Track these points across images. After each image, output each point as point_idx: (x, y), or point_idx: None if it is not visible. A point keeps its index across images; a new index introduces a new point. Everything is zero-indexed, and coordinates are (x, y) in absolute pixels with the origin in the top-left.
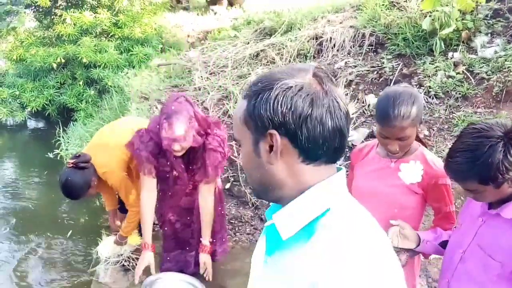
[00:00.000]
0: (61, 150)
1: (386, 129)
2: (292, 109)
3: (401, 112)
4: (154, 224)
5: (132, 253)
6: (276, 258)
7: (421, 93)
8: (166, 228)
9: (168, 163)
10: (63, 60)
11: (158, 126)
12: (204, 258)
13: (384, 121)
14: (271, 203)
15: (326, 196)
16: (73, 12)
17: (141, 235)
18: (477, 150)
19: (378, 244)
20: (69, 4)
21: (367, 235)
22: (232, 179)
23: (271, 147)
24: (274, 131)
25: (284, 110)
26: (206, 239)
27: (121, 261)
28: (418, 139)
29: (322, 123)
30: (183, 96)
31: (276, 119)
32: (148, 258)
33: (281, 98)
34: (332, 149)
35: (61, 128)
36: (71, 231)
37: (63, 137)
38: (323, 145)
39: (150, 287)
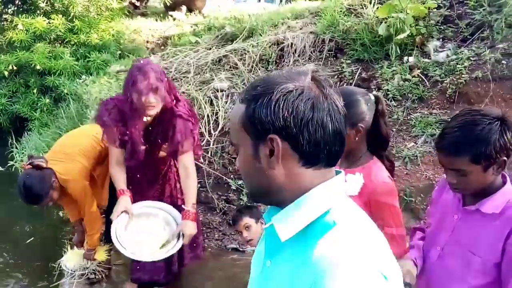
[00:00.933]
0: (15, 162)
1: None
2: (294, 113)
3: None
4: None
5: (98, 265)
6: (275, 261)
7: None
8: None
9: (127, 133)
10: (15, 68)
11: (125, 92)
12: (188, 225)
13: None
14: (268, 206)
15: (326, 198)
16: (25, 18)
17: (108, 251)
18: (475, 125)
19: (377, 245)
20: (20, 9)
21: (367, 236)
22: (199, 185)
23: (271, 152)
24: (275, 136)
25: (285, 114)
26: (189, 205)
27: (87, 274)
28: (378, 155)
29: (323, 126)
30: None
31: (277, 123)
32: (124, 202)
33: (282, 102)
34: (332, 153)
35: (14, 139)
36: (30, 240)
37: (16, 148)
38: (324, 149)
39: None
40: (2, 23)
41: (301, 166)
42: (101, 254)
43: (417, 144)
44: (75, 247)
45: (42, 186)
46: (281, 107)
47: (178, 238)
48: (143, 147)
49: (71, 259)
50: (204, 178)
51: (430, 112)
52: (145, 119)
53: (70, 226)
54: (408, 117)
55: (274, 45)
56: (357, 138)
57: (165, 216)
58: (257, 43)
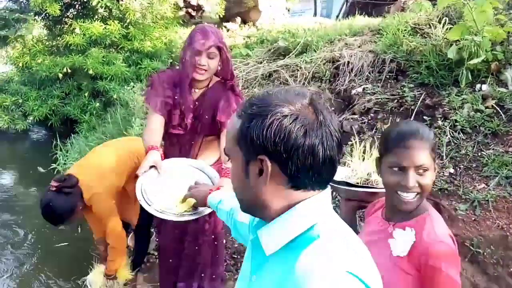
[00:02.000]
0: (58, 165)
1: (400, 152)
2: (285, 139)
3: (417, 131)
4: (149, 254)
5: (124, 286)
6: (260, 274)
7: (446, 126)
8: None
9: (175, 98)
10: (69, 70)
11: (181, 58)
12: (227, 183)
13: (396, 142)
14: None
15: (312, 213)
16: (83, 22)
17: (132, 268)
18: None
19: (359, 255)
20: (80, 14)
21: (349, 247)
22: None
23: (260, 171)
24: (265, 157)
25: (276, 139)
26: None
27: None
28: (435, 203)
29: (313, 154)
30: None
31: (268, 146)
32: (153, 156)
33: (275, 127)
34: (322, 178)
35: (60, 141)
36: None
37: (61, 150)
38: (312, 175)
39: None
40: (62, 26)
41: (289, 187)
42: (124, 274)
43: (488, 186)
44: (101, 265)
45: (63, 213)
46: (273, 131)
47: None
48: (188, 120)
49: (96, 278)
50: None
51: (506, 150)
52: (193, 91)
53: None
54: (479, 154)
55: (329, 62)
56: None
57: (200, 175)
58: (311, 59)
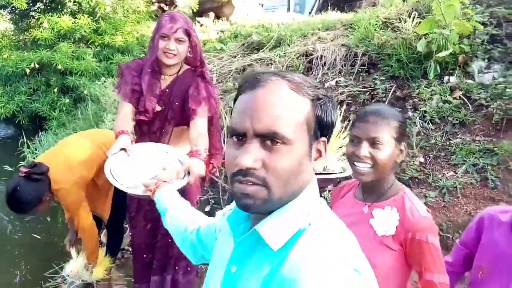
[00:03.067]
0: (26, 163)
1: (359, 125)
2: (335, 121)
3: (379, 110)
4: (123, 250)
5: (97, 282)
6: (244, 266)
7: (416, 117)
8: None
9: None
10: (37, 66)
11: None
12: (196, 164)
13: (359, 117)
14: (227, 214)
15: (309, 204)
16: (51, 16)
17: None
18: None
19: (349, 242)
20: (48, 7)
21: (339, 234)
22: (213, 202)
23: (319, 153)
24: (325, 139)
25: (335, 121)
26: (200, 148)
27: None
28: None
29: None
30: None
31: (331, 127)
32: (123, 140)
33: (334, 110)
34: None
35: (28, 138)
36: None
37: (29, 147)
38: None
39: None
40: (29, 20)
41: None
42: (99, 271)
43: (457, 173)
44: (75, 255)
45: (31, 200)
46: (334, 114)
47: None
48: (158, 106)
49: (73, 269)
50: (219, 194)
51: (473, 139)
52: (162, 77)
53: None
54: (448, 143)
55: (303, 56)
56: (398, 161)
57: (169, 157)
58: (285, 53)
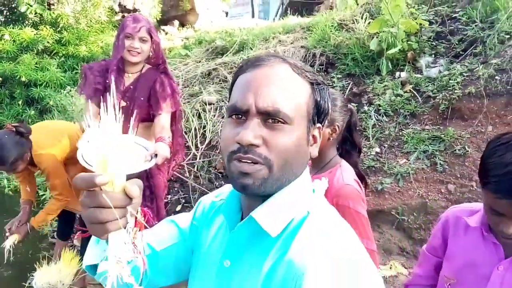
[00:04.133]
0: None
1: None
2: (330, 109)
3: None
4: None
5: (71, 286)
6: (238, 261)
7: (371, 111)
8: None
9: (106, 82)
10: (0, 78)
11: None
12: (162, 147)
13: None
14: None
15: (305, 191)
16: (13, 28)
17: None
18: None
19: (354, 235)
20: (9, 19)
21: (339, 222)
22: (184, 201)
23: (314, 138)
24: (320, 125)
25: (330, 109)
26: (164, 136)
27: None
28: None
29: None
30: None
31: (327, 114)
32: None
33: (330, 98)
34: None
35: None
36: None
37: None
38: None
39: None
40: None
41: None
42: (13, 238)
43: (409, 160)
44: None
45: (13, 152)
46: (329, 100)
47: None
48: (122, 102)
49: (43, 277)
50: (190, 193)
51: (423, 128)
52: (126, 75)
53: (46, 242)
54: (400, 133)
55: None
56: (331, 138)
57: (134, 145)
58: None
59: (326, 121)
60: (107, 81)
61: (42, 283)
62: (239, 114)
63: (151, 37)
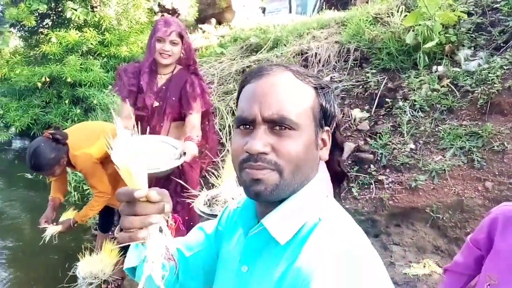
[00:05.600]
0: None
1: None
2: (337, 112)
3: None
4: None
5: (111, 276)
6: (254, 267)
7: (406, 106)
8: None
9: (139, 84)
10: (48, 79)
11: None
12: (189, 146)
13: None
14: (231, 213)
15: (316, 197)
16: (59, 31)
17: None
18: None
19: (365, 238)
20: (55, 23)
21: (351, 227)
22: None
23: (324, 142)
24: (328, 128)
25: (337, 112)
26: (192, 135)
27: (98, 283)
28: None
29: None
30: None
31: (334, 117)
32: (124, 133)
33: (336, 101)
34: None
35: None
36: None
37: None
38: None
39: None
40: (38, 36)
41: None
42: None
43: (445, 157)
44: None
45: (49, 159)
46: (336, 103)
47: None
48: (155, 102)
49: (85, 267)
50: None
51: (460, 124)
52: (159, 76)
53: (90, 234)
54: (436, 129)
55: (298, 55)
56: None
57: (165, 145)
58: (281, 53)
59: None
60: (141, 83)
61: (85, 272)
62: (247, 124)
63: (182, 40)
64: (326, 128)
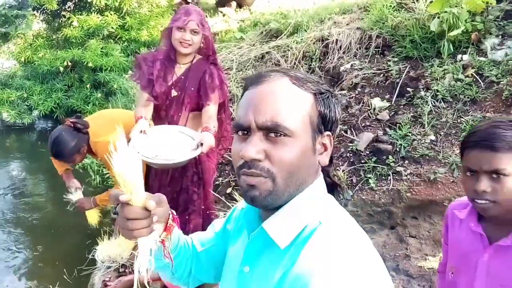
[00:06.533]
0: None
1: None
2: (339, 115)
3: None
4: None
5: (128, 260)
6: (256, 266)
7: (428, 96)
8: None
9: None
10: (70, 64)
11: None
12: (207, 136)
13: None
14: (239, 216)
15: (316, 200)
16: (80, 15)
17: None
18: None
19: (364, 238)
20: (77, 6)
21: (352, 231)
22: (234, 184)
23: (324, 147)
24: (330, 133)
25: (338, 116)
26: (210, 126)
27: (116, 266)
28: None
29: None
30: None
31: (335, 122)
32: (142, 124)
33: (337, 104)
34: None
35: None
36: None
37: None
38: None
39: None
40: (60, 19)
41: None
42: (93, 216)
43: None
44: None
45: (70, 147)
46: (337, 108)
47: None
48: (173, 92)
49: (104, 251)
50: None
51: (484, 116)
52: (178, 66)
53: (109, 218)
54: (458, 120)
55: (319, 41)
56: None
57: (182, 135)
58: (301, 39)
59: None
60: (161, 71)
61: (104, 255)
62: (244, 130)
63: (202, 29)
64: (327, 132)
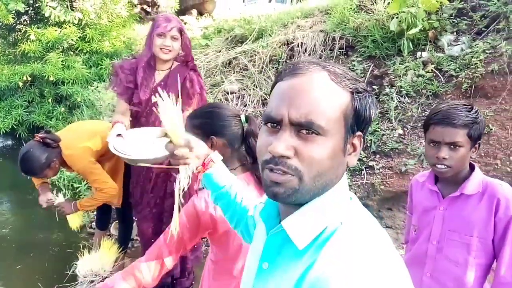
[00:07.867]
0: None
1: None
2: (374, 117)
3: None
4: (133, 239)
5: (111, 273)
6: (275, 264)
7: (393, 93)
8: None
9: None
10: (29, 78)
11: (146, 41)
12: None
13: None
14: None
15: (339, 201)
16: (38, 28)
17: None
18: (470, 106)
19: (385, 239)
20: (33, 20)
21: (374, 233)
22: None
23: (354, 148)
24: (361, 133)
25: (372, 117)
26: None
27: (98, 281)
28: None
29: None
30: None
31: (368, 123)
32: (118, 127)
33: (374, 105)
34: None
35: None
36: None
37: None
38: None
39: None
40: (16, 33)
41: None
42: (75, 220)
43: None
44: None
45: (40, 163)
46: (373, 108)
47: None
48: (154, 98)
49: (85, 265)
50: None
51: None
52: (157, 72)
53: (85, 232)
54: (423, 114)
55: (284, 45)
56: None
57: (162, 139)
58: (267, 43)
59: (368, 129)
60: (139, 78)
61: (85, 270)
62: (274, 123)
63: (181, 35)
64: (358, 133)
